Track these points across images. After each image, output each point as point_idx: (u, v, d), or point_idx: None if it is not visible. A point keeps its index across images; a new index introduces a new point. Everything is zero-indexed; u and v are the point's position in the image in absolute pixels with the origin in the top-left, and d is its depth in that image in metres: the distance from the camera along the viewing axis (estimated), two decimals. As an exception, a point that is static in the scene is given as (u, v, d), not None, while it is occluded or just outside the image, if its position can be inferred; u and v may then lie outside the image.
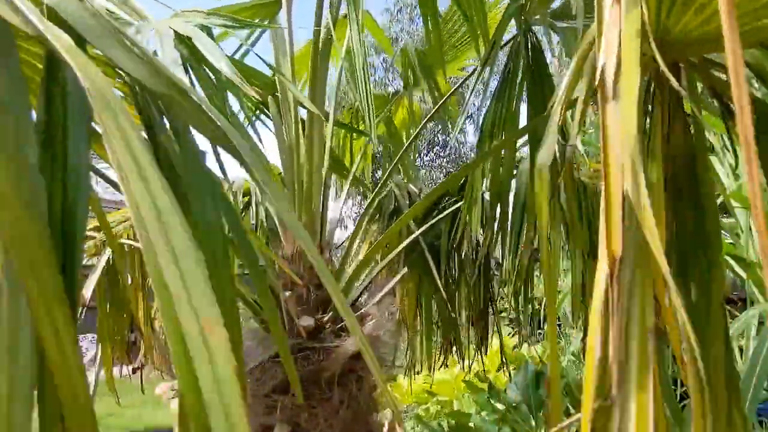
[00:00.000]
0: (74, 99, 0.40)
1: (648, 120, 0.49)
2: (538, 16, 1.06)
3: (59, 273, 0.26)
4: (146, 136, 0.49)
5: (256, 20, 1.17)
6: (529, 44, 1.09)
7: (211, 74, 1.22)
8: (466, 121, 11.16)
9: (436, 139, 10.62)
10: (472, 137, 11.62)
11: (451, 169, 11.33)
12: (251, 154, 0.45)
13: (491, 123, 1.13)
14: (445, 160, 11.25)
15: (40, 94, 0.38)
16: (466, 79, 1.79)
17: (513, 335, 5.37)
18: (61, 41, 0.32)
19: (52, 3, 0.42)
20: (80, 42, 0.42)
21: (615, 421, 0.32)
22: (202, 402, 0.22)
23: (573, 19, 1.11)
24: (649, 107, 0.50)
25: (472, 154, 11.46)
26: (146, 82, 0.41)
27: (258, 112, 1.41)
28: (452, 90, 1.70)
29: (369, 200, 1.30)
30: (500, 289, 2.18)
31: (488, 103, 1.21)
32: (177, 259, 0.25)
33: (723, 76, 0.52)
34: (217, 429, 0.21)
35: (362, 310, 1.12)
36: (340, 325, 1.10)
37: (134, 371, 2.41)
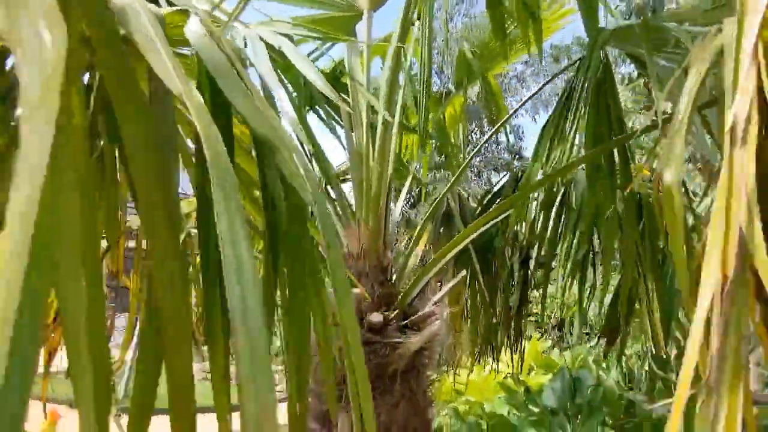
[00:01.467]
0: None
1: None
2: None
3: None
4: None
5: (338, 34, 1.25)
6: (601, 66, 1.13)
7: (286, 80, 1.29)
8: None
9: (469, 138, 10.59)
10: (505, 137, 11.59)
11: (482, 169, 11.42)
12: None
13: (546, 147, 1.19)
14: (477, 159, 11.24)
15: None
16: (524, 103, 1.83)
17: (541, 339, 5.38)
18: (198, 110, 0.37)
19: (194, 46, 0.47)
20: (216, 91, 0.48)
21: (711, 407, 0.40)
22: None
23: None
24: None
25: (506, 155, 11.59)
26: (260, 129, 0.46)
27: (326, 116, 1.49)
28: (511, 112, 1.73)
29: (432, 205, 1.36)
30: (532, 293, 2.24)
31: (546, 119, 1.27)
32: (252, 349, 0.31)
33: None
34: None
35: (427, 310, 1.18)
36: (404, 322, 1.16)
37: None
